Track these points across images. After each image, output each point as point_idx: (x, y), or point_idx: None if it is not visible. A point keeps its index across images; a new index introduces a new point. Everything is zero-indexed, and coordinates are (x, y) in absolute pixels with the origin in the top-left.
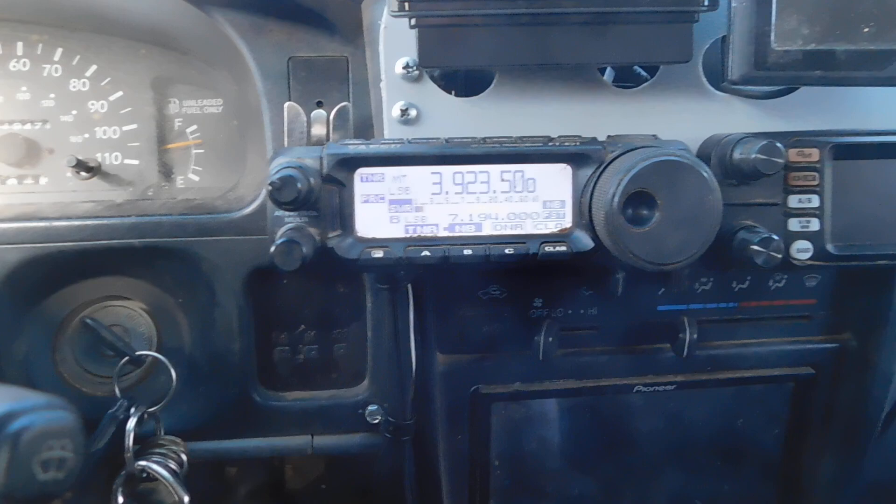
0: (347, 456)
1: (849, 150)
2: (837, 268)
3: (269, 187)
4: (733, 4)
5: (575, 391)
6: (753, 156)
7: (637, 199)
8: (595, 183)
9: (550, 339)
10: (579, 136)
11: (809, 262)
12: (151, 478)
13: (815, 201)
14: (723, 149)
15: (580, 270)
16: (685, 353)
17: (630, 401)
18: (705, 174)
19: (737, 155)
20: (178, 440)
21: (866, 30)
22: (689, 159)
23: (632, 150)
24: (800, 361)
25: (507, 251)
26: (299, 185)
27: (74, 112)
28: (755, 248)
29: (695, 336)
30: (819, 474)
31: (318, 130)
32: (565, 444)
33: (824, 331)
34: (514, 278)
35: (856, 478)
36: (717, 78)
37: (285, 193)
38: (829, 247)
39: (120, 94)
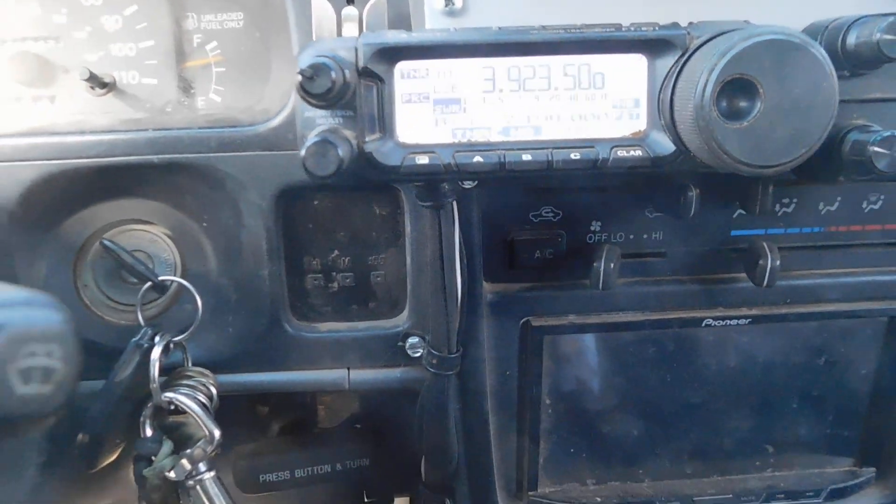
0: (386, 391)
1: None
2: None
3: (300, 76)
4: None
5: (637, 325)
6: (878, 36)
7: (733, 89)
8: (678, 74)
9: (612, 265)
10: (656, 23)
11: None
12: (179, 410)
13: None
14: (833, 34)
15: (645, 188)
16: (765, 282)
17: (698, 336)
18: (819, 55)
19: (852, 39)
20: (207, 372)
21: None
22: (799, 38)
23: (724, 32)
24: (893, 294)
25: (572, 156)
26: (333, 76)
27: (88, 28)
28: (876, 149)
29: (777, 263)
30: None
31: (350, 30)
32: (624, 384)
33: None
34: (569, 198)
35: None
36: None
37: (318, 84)
38: None
39: (135, 7)
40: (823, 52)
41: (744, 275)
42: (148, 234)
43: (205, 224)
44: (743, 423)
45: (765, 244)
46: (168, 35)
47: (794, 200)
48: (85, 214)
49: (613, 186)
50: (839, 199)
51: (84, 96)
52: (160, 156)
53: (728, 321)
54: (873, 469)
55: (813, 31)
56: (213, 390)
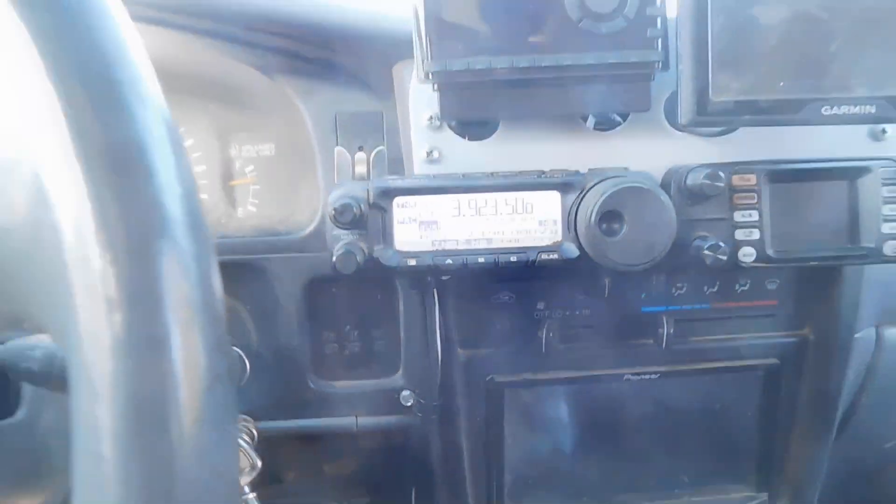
0: (385, 433)
1: (780, 175)
2: (779, 268)
3: (332, 212)
4: (679, 67)
5: (573, 380)
6: (701, 181)
7: (610, 216)
8: (578, 205)
9: (551, 335)
10: (566, 170)
11: (754, 264)
12: None
13: (755, 216)
14: (679, 176)
15: (574, 277)
16: (664, 345)
17: (621, 388)
18: (661, 197)
19: (689, 181)
20: (248, 418)
21: (782, 84)
22: (648, 185)
23: (605, 179)
24: (766, 353)
25: (511, 259)
26: (354, 210)
27: None
28: (705, 252)
29: (671, 331)
30: (790, 456)
31: (361, 169)
32: (567, 426)
33: (786, 326)
34: (520, 285)
35: (823, 459)
36: (676, 120)
37: (344, 217)
38: (770, 251)
39: (191, 141)
40: (664, 193)
41: (651, 340)
42: None
43: (249, 307)
44: (662, 457)
45: (664, 318)
46: (217, 161)
47: (685, 285)
48: None
49: (553, 275)
50: (718, 283)
51: None
52: (222, 257)
53: (642, 376)
54: (766, 494)
55: (671, 173)
56: (255, 432)
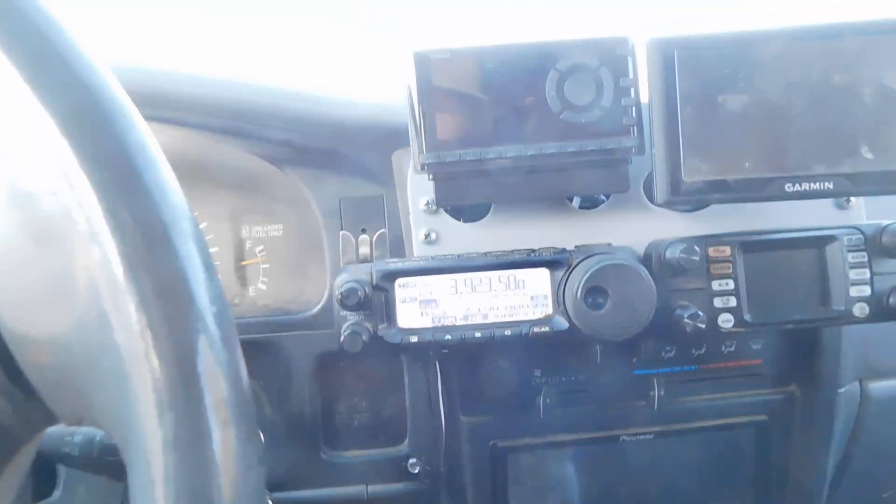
0: (394, 501)
1: (752, 246)
2: (756, 332)
3: (339, 296)
4: (653, 152)
5: (572, 442)
6: (678, 255)
7: (595, 291)
8: (566, 281)
9: (548, 400)
10: (554, 248)
11: (733, 329)
12: None
13: (731, 285)
14: (659, 250)
15: (568, 345)
16: (656, 406)
17: (618, 448)
18: (642, 272)
19: (668, 255)
20: (266, 490)
21: (748, 164)
22: (629, 262)
23: (589, 256)
24: (755, 411)
25: (506, 333)
26: (359, 294)
27: None
28: (685, 321)
29: (662, 393)
30: None
31: (364, 250)
32: (569, 486)
33: (772, 384)
34: (518, 354)
35: None
36: (654, 197)
37: (350, 301)
38: (747, 317)
39: (205, 224)
40: (644, 269)
41: (644, 402)
42: None
43: (262, 383)
44: None
45: (655, 380)
46: (229, 242)
47: (674, 348)
48: None
49: (548, 345)
50: (705, 345)
51: None
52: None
53: (637, 436)
54: None
55: (652, 247)
56: (270, 502)
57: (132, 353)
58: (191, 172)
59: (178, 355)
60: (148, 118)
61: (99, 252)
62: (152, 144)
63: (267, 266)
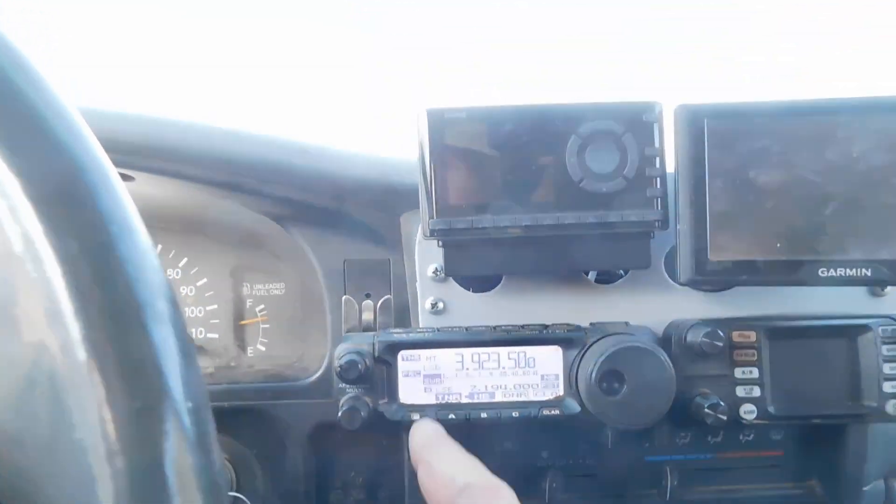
0: None
1: (779, 332)
2: (780, 425)
3: (338, 369)
4: (678, 227)
5: None
6: (700, 339)
7: (610, 375)
8: (579, 362)
9: (554, 485)
10: (567, 324)
11: (755, 422)
12: None
13: (755, 373)
14: (679, 332)
15: (577, 427)
16: (668, 496)
17: None
18: (661, 357)
19: (689, 338)
20: None
21: (779, 245)
22: (648, 346)
23: (606, 336)
24: None
25: (514, 414)
26: (359, 367)
27: None
28: (706, 411)
29: (675, 483)
30: None
31: (368, 316)
32: None
33: (792, 478)
34: (524, 434)
35: None
36: (676, 275)
37: (349, 374)
38: (771, 409)
39: (205, 280)
40: (664, 354)
41: (655, 491)
42: None
43: (255, 452)
44: None
45: (667, 468)
46: (228, 300)
47: (689, 434)
48: None
49: (555, 425)
50: (722, 433)
51: None
52: (230, 403)
53: None
54: None
55: (671, 328)
56: None
57: (94, 454)
58: (191, 227)
59: (147, 460)
60: (145, 170)
61: (60, 335)
62: (130, 211)
63: (267, 326)
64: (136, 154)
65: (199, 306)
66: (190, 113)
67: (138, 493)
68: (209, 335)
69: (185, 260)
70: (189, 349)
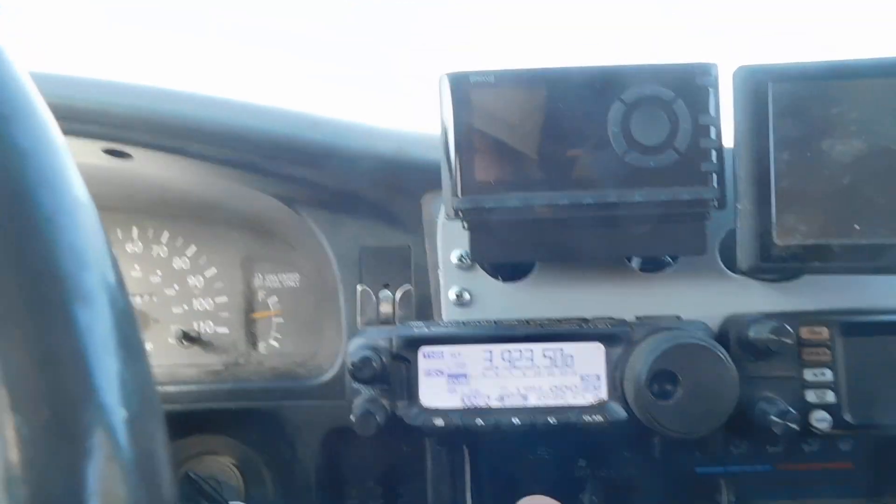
0: None
1: (856, 328)
2: (856, 436)
3: (351, 367)
4: (738, 206)
5: None
6: (765, 336)
7: (662, 377)
8: (626, 360)
9: (594, 498)
10: (610, 318)
11: (830, 431)
12: None
13: (829, 375)
14: (740, 328)
15: (620, 434)
16: None
17: None
18: (721, 355)
19: (751, 334)
20: None
21: (857, 227)
22: (706, 342)
23: (656, 331)
24: None
25: (550, 420)
26: (374, 365)
27: (176, 286)
28: (773, 419)
29: (732, 499)
30: None
31: (386, 309)
32: None
33: (864, 493)
34: (559, 440)
35: None
36: (734, 262)
37: (363, 373)
38: (848, 417)
39: (214, 270)
40: (724, 352)
41: None
42: (217, 463)
43: (264, 457)
44: None
45: (722, 481)
46: (239, 292)
47: (745, 443)
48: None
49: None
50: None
51: (172, 345)
52: (237, 403)
53: None
54: None
55: (729, 323)
56: None
57: None
58: (200, 212)
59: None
60: (142, 145)
61: None
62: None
63: (280, 320)
64: (130, 128)
65: (208, 298)
66: (189, 85)
67: None
68: (218, 329)
69: (193, 249)
70: (131, 338)
